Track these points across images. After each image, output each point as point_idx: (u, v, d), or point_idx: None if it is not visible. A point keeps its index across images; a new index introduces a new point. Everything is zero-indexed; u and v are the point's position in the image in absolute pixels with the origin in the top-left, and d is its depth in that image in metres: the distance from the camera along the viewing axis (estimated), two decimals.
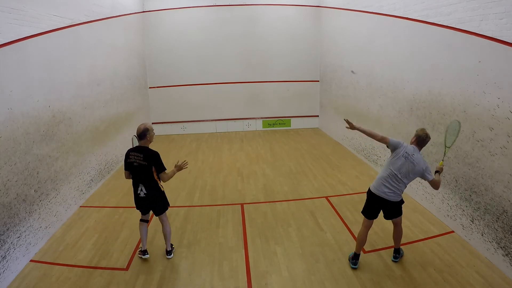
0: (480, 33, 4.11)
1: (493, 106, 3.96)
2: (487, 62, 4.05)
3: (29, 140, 4.59)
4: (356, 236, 4.12)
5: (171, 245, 4.45)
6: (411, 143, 3.82)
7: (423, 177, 3.71)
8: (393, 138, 3.82)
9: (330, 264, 4.13)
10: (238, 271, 4.06)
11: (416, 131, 3.83)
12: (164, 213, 4.25)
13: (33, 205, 4.58)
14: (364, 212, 4.00)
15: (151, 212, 4.34)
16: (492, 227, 4.04)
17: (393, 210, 3.90)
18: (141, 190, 4.02)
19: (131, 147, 4.16)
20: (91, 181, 6.56)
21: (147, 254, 4.29)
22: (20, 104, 4.44)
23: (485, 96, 4.10)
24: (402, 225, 4.98)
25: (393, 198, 3.76)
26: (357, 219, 5.13)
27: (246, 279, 3.91)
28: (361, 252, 4.27)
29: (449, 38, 4.72)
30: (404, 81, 6.08)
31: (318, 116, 12.22)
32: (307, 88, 12.03)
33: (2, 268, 3.85)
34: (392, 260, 4.13)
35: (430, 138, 3.78)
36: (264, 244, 4.62)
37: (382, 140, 3.83)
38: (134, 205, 4.22)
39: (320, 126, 12.15)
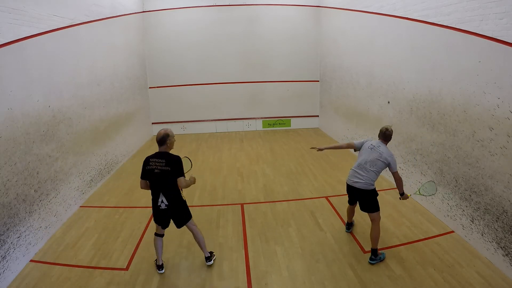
0: (480, 33, 4.11)
1: (493, 106, 3.96)
2: (487, 62, 4.05)
3: (29, 140, 4.59)
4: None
5: (211, 252, 4.24)
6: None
7: (389, 166, 4.03)
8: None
9: (330, 264, 4.13)
10: (238, 271, 4.05)
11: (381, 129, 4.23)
12: (190, 221, 3.97)
13: (33, 205, 4.58)
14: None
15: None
16: (492, 227, 4.04)
17: (364, 200, 4.14)
18: (162, 201, 3.71)
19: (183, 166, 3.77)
20: (91, 181, 6.56)
21: (163, 269, 4.04)
22: (20, 104, 4.44)
23: (485, 96, 4.09)
24: (402, 225, 5.00)
25: (360, 185, 4.07)
26: (357, 219, 5.12)
27: (246, 279, 3.91)
28: (361, 251, 4.34)
29: (449, 38, 4.71)
30: (404, 81, 6.08)
31: (318, 116, 12.22)
32: (307, 88, 12.04)
33: (2, 268, 3.85)
34: (369, 262, 4.05)
35: (391, 130, 4.16)
36: (264, 244, 4.62)
37: (349, 146, 4.44)
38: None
39: (320, 126, 12.15)
